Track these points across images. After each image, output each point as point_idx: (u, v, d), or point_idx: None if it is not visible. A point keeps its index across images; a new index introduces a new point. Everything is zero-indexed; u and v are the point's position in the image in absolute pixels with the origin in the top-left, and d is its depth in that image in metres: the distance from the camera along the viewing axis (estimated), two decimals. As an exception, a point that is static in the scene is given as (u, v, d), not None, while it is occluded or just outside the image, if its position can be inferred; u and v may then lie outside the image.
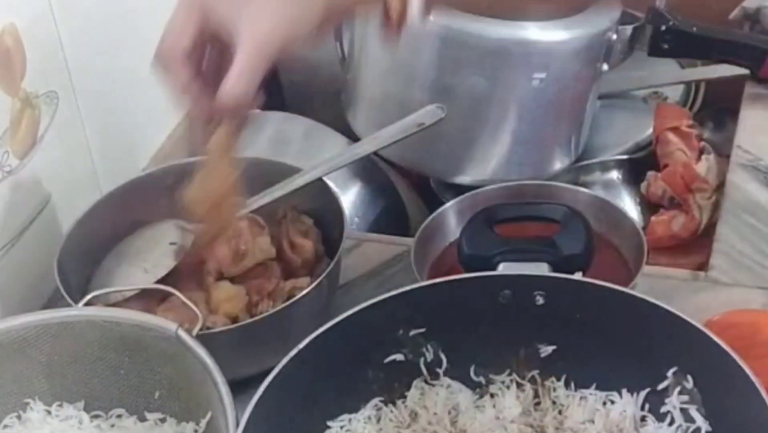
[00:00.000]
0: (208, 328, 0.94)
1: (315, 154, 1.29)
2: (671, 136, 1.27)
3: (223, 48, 0.83)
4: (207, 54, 0.85)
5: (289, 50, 0.81)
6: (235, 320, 0.98)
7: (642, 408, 0.86)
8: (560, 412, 0.88)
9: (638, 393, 0.86)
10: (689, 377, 0.84)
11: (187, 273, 1.02)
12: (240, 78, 0.80)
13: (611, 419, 0.86)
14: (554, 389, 0.89)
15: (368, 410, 0.89)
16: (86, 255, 1.05)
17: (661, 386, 0.85)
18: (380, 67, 1.25)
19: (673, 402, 0.84)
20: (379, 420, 0.88)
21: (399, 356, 0.89)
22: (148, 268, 1.01)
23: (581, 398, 0.88)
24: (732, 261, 1.10)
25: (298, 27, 0.81)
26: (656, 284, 1.02)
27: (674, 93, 1.41)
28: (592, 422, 0.87)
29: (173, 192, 1.10)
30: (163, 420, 0.91)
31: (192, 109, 0.85)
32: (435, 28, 1.16)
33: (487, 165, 1.25)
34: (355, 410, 0.88)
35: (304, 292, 0.97)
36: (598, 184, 1.32)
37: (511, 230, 0.95)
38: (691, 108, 1.38)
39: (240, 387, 0.85)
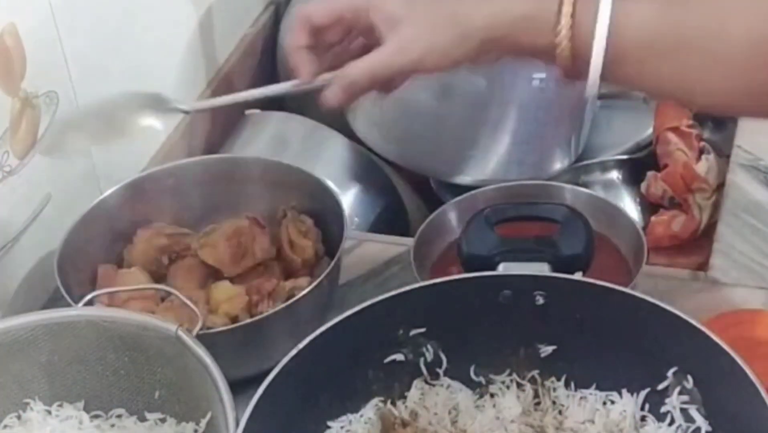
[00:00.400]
0: (208, 328, 0.94)
1: (315, 154, 1.29)
2: (671, 136, 1.27)
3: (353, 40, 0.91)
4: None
5: (434, 71, 0.87)
6: (235, 319, 0.98)
7: (642, 408, 0.86)
8: (560, 412, 0.88)
9: (638, 393, 0.86)
10: (689, 377, 0.84)
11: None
12: (367, 67, 0.88)
13: (611, 419, 0.86)
14: (554, 389, 0.89)
15: (368, 410, 0.89)
16: (86, 255, 1.05)
17: (661, 386, 0.85)
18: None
19: (673, 402, 0.84)
20: (379, 420, 0.88)
21: (399, 356, 0.89)
22: None
23: (581, 398, 0.88)
24: (732, 261, 1.10)
25: (440, 59, 0.86)
26: (656, 284, 1.02)
27: (674, 93, 1.41)
28: (592, 422, 0.87)
29: (173, 192, 1.10)
30: (163, 420, 0.91)
31: (293, 69, 0.92)
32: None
33: (487, 165, 1.25)
34: (355, 410, 0.88)
35: (304, 292, 0.97)
36: (598, 184, 1.32)
37: (511, 230, 0.95)
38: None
39: (240, 387, 0.85)
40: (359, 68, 0.88)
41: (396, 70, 0.88)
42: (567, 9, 0.81)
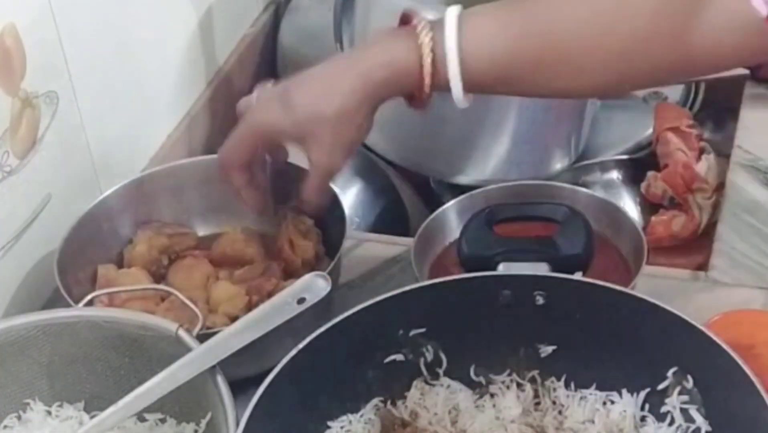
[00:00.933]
0: (208, 328, 0.94)
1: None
2: (671, 136, 1.27)
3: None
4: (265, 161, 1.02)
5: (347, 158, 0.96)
6: (234, 319, 0.98)
7: (642, 408, 0.86)
8: (560, 412, 0.88)
9: (638, 393, 0.86)
10: (689, 377, 0.84)
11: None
12: (315, 193, 0.98)
13: (611, 419, 0.86)
14: (554, 389, 0.89)
15: (368, 410, 0.89)
16: (86, 255, 1.05)
17: (661, 386, 0.85)
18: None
19: (673, 402, 0.84)
20: (379, 420, 0.88)
21: (399, 356, 0.89)
22: None
23: (581, 398, 0.88)
24: (732, 261, 1.10)
25: (356, 140, 0.95)
26: (656, 284, 1.02)
27: (674, 93, 1.41)
28: (592, 422, 0.87)
29: (173, 192, 1.10)
30: (163, 420, 0.91)
31: (251, 203, 1.01)
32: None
33: (487, 165, 1.25)
34: (355, 410, 0.88)
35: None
36: (598, 184, 1.31)
37: (511, 230, 0.95)
38: (691, 108, 1.38)
39: (240, 387, 0.85)
40: (312, 191, 0.98)
41: (339, 170, 0.97)
42: (427, 60, 0.89)
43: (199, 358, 0.85)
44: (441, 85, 0.90)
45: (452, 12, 0.89)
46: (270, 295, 0.99)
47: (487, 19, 0.90)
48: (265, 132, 0.96)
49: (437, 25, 0.89)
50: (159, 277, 1.06)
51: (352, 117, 0.92)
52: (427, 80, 0.89)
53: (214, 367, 0.85)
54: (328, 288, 0.89)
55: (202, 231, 1.10)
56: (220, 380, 0.84)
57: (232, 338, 0.87)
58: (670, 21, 0.86)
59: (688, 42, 0.86)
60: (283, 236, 1.04)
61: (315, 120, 0.92)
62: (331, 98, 0.91)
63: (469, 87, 0.90)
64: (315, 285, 0.89)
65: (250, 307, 0.99)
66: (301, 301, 0.88)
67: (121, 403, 0.84)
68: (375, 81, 0.91)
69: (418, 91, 0.91)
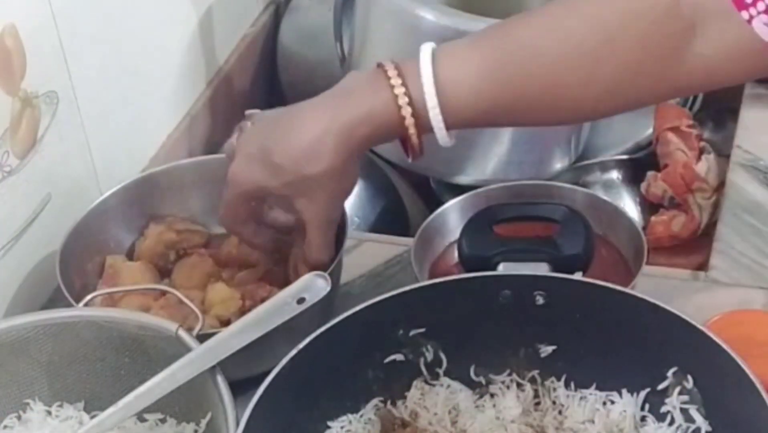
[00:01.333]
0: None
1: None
2: (671, 136, 1.27)
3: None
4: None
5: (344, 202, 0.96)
6: (226, 323, 0.98)
7: (642, 408, 0.86)
8: (560, 412, 0.88)
9: (638, 393, 0.86)
10: (689, 377, 0.84)
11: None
12: (320, 250, 0.95)
13: (611, 419, 0.86)
14: (554, 389, 0.89)
15: (368, 410, 0.89)
16: (87, 254, 1.05)
17: (661, 386, 0.85)
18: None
19: (673, 402, 0.84)
20: (379, 420, 0.88)
21: (399, 356, 0.89)
22: None
23: (581, 398, 0.88)
24: (732, 261, 1.10)
25: (348, 189, 0.94)
26: (656, 284, 1.02)
27: (674, 93, 1.41)
28: (592, 422, 0.87)
29: (173, 192, 1.10)
30: (163, 420, 0.91)
31: (265, 248, 1.02)
32: (435, 29, 1.15)
33: (487, 165, 1.25)
34: (355, 410, 0.88)
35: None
36: (598, 184, 1.31)
37: (511, 230, 0.95)
38: (691, 108, 1.38)
39: (240, 387, 0.85)
40: (318, 249, 0.95)
41: (338, 220, 0.96)
42: (407, 111, 0.87)
43: (199, 358, 0.85)
44: (426, 129, 0.88)
45: (426, 52, 0.87)
46: (264, 301, 0.99)
47: (462, 57, 0.87)
48: (254, 193, 0.94)
49: (411, 69, 0.87)
50: (165, 272, 1.06)
51: (340, 172, 0.90)
52: (412, 130, 0.88)
53: (214, 367, 0.85)
54: (328, 288, 0.89)
55: (216, 230, 1.10)
56: (220, 380, 0.84)
57: (232, 338, 0.87)
58: (660, 52, 0.84)
59: (679, 70, 0.84)
60: (290, 265, 1.03)
61: (304, 181, 0.90)
62: (316, 160, 0.89)
63: (451, 126, 0.88)
64: (315, 285, 0.89)
65: (243, 311, 0.99)
66: (300, 301, 0.88)
67: (121, 403, 0.84)
68: (358, 137, 0.89)
69: (405, 140, 0.90)
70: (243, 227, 0.98)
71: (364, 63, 1.26)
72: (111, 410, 0.84)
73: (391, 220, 1.32)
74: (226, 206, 0.96)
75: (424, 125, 0.88)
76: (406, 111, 0.87)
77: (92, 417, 0.91)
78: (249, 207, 0.96)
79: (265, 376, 0.81)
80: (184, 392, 0.87)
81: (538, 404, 0.89)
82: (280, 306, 0.88)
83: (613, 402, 0.87)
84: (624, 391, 0.87)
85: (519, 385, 0.90)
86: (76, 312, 0.92)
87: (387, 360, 0.89)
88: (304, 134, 0.89)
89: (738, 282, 1.08)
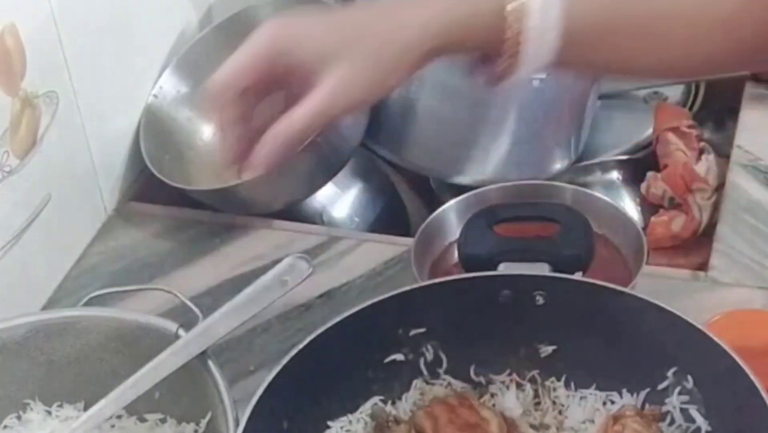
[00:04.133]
0: None
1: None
2: (671, 136, 1.27)
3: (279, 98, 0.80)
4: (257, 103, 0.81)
5: (360, 107, 0.82)
6: None
7: (642, 408, 0.86)
8: (560, 412, 0.88)
9: (638, 393, 0.86)
10: (689, 377, 0.84)
11: None
12: (306, 116, 0.77)
13: (611, 419, 0.86)
14: (554, 389, 0.89)
15: (368, 410, 0.89)
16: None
17: (661, 386, 0.85)
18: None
19: (673, 402, 0.84)
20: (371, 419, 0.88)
21: (399, 356, 0.89)
22: None
23: (581, 398, 0.88)
24: (732, 261, 1.10)
25: (381, 89, 0.79)
26: (656, 284, 1.02)
27: (674, 93, 1.41)
28: (592, 421, 0.87)
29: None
30: (163, 420, 0.91)
31: (224, 146, 0.80)
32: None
33: (487, 165, 1.25)
34: (354, 410, 0.88)
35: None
36: (598, 185, 1.31)
37: (511, 229, 0.95)
38: (691, 108, 1.38)
39: (240, 387, 0.85)
40: (300, 118, 0.77)
41: (338, 114, 0.78)
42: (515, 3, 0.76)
43: (186, 345, 0.85)
44: (524, 43, 0.77)
45: None
46: None
47: None
48: (282, 48, 0.77)
49: None
50: None
51: (410, 50, 0.77)
52: (508, 33, 0.76)
53: (204, 355, 0.84)
54: (310, 270, 0.89)
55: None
56: (220, 380, 0.84)
57: (217, 324, 0.87)
58: None
59: None
60: None
61: (361, 37, 0.77)
62: (397, 26, 0.77)
63: (563, 43, 0.77)
64: (297, 267, 0.90)
65: None
66: (283, 284, 0.89)
67: (111, 396, 0.84)
68: (456, 22, 0.77)
69: (491, 47, 0.77)
70: (229, 102, 0.78)
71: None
72: (102, 402, 0.84)
73: (391, 220, 1.32)
74: (234, 61, 0.78)
75: (527, 31, 0.76)
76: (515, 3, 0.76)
77: (92, 417, 0.92)
78: (257, 71, 0.78)
79: (265, 375, 0.81)
80: (184, 392, 0.87)
81: (538, 404, 0.89)
82: (263, 289, 0.89)
83: (613, 402, 0.87)
84: (624, 391, 0.87)
85: (519, 385, 0.90)
86: (76, 312, 0.92)
87: (387, 360, 0.89)
88: (389, 8, 0.78)
89: (738, 282, 1.08)
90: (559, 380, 0.89)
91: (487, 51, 0.79)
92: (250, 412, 0.79)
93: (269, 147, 0.78)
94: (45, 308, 1.06)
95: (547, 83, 1.19)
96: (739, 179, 1.20)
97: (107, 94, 1.16)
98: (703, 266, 1.12)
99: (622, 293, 0.86)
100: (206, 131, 1.24)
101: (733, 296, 1.05)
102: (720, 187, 1.23)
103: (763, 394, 0.77)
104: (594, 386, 0.88)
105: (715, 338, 0.81)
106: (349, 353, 0.87)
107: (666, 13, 0.80)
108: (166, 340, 0.88)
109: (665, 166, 1.27)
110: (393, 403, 0.89)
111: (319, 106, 0.77)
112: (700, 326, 0.82)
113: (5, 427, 0.91)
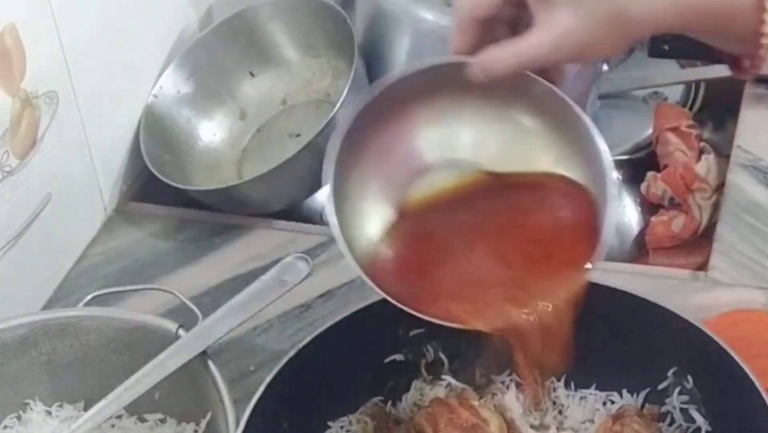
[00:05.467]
0: None
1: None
2: (671, 137, 1.27)
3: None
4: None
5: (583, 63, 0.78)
6: None
7: (642, 408, 0.86)
8: (560, 412, 0.88)
9: (638, 393, 0.86)
10: (689, 377, 0.84)
11: None
12: (512, 59, 0.75)
13: (611, 419, 0.86)
14: (554, 389, 0.89)
15: (368, 410, 0.89)
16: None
17: (661, 386, 0.85)
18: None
19: (673, 402, 0.85)
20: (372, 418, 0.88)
21: (399, 356, 0.89)
22: None
23: (581, 398, 0.88)
24: (732, 261, 1.10)
25: (592, 53, 0.78)
26: (656, 284, 1.02)
27: (674, 93, 1.41)
28: (592, 421, 0.87)
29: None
30: (163, 420, 0.91)
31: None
32: (436, 28, 1.15)
33: (487, 165, 1.25)
34: (355, 410, 0.88)
35: None
36: (598, 184, 1.31)
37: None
38: (691, 108, 1.38)
39: (240, 387, 0.85)
40: (502, 59, 0.75)
41: (544, 64, 0.76)
42: None
43: (186, 345, 0.85)
44: None
45: None
46: None
47: None
48: None
49: None
50: None
51: (639, 26, 0.74)
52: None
53: (205, 356, 0.84)
54: (308, 270, 0.90)
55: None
56: (220, 380, 0.84)
57: (217, 323, 0.88)
58: None
59: None
60: None
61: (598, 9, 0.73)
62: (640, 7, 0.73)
63: None
64: (296, 267, 0.90)
65: None
66: (283, 283, 0.89)
67: (111, 396, 0.84)
68: (705, 11, 0.74)
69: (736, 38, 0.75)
70: (470, 29, 0.77)
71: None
72: (102, 402, 0.84)
73: (391, 220, 1.32)
74: (465, 17, 0.76)
75: None
76: None
77: (92, 417, 0.92)
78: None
79: (265, 375, 0.81)
80: (184, 392, 0.87)
81: (538, 404, 0.89)
82: (263, 289, 0.89)
83: (613, 402, 0.87)
84: (624, 391, 0.87)
85: (519, 385, 0.90)
86: (76, 312, 0.92)
87: (387, 360, 0.89)
88: None
89: (738, 282, 1.08)
90: (559, 380, 0.89)
91: (730, 42, 0.76)
92: (250, 412, 0.79)
93: (476, 69, 0.76)
94: (45, 308, 1.05)
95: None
96: (739, 179, 1.20)
97: (107, 94, 1.16)
98: (703, 266, 1.12)
99: (623, 292, 0.86)
100: (206, 131, 1.24)
101: (733, 296, 1.05)
102: (720, 187, 1.23)
103: (763, 394, 0.77)
104: (594, 386, 0.88)
105: (716, 338, 0.81)
106: (349, 353, 0.87)
107: None
108: (166, 340, 0.88)
109: (665, 166, 1.27)
110: (393, 403, 0.89)
111: (526, 52, 0.75)
112: (700, 326, 0.82)
113: (5, 427, 0.91)
